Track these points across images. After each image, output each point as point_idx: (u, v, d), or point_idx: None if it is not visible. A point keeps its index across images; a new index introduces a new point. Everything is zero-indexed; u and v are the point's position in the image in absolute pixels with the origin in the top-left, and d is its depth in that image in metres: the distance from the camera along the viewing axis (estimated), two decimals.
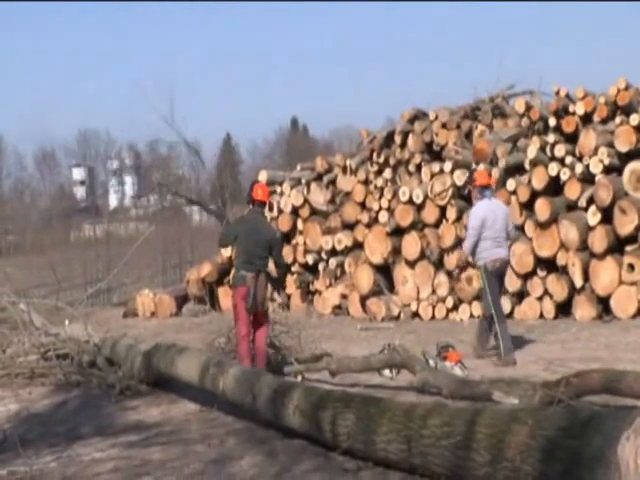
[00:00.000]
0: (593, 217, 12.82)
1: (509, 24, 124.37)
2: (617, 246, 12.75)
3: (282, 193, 17.59)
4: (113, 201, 78.33)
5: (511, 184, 13.70)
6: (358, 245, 16.13)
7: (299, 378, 8.79)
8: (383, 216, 15.60)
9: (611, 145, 13.16)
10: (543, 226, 13.24)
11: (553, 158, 13.50)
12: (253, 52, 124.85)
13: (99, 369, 10.09)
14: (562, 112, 14.17)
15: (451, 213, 14.46)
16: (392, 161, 16.19)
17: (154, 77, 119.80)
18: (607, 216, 12.74)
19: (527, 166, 13.77)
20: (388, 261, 15.38)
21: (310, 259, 16.97)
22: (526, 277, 13.48)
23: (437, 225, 14.81)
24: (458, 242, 13.84)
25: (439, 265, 14.62)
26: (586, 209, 12.98)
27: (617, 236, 12.70)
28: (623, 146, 13.06)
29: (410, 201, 14.96)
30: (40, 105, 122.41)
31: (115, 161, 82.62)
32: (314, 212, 17.23)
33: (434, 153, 15.83)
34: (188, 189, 37.71)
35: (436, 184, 14.77)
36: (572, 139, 13.78)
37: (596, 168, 13.06)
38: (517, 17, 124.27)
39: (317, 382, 8.41)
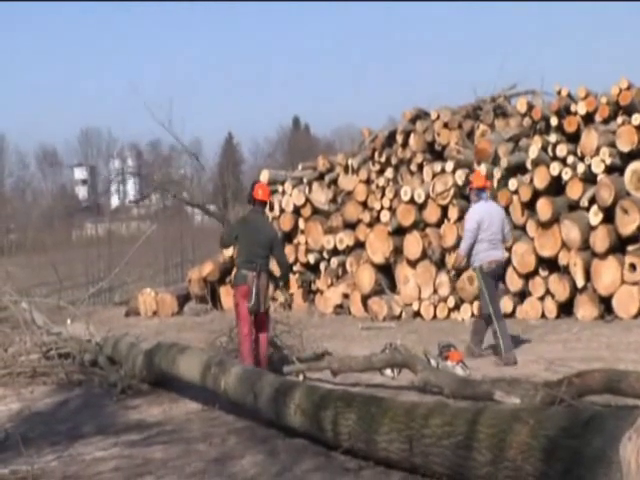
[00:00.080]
0: (595, 217, 12.81)
1: (510, 24, 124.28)
2: (619, 246, 12.74)
3: (284, 192, 17.59)
4: (115, 200, 78.33)
5: (513, 184, 13.70)
6: (360, 244, 16.13)
7: (300, 377, 8.79)
8: (385, 215, 15.60)
9: (613, 145, 13.15)
10: (545, 226, 13.24)
11: (555, 158, 13.49)
12: (253, 52, 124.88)
13: (101, 368, 10.11)
14: (564, 112, 14.16)
15: (453, 213, 14.45)
16: (394, 160, 16.19)
17: (154, 77, 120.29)
18: (609, 216, 12.73)
19: (529, 166, 13.76)
20: (390, 261, 15.38)
21: (312, 258, 16.97)
22: (528, 277, 13.47)
23: (439, 225, 14.81)
24: (459, 242, 13.81)
25: (441, 265, 14.61)
26: (588, 209, 12.97)
27: (619, 236, 12.69)
28: (625, 146, 13.05)
29: (412, 201, 14.96)
30: (41, 105, 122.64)
31: (117, 160, 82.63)
32: (316, 211, 17.24)
33: (436, 153, 15.83)
34: (189, 189, 37.71)
35: (438, 184, 14.77)
36: (574, 139, 13.77)
37: (598, 168, 13.06)
38: (517, 17, 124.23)
39: (318, 381, 8.42)
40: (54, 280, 17.18)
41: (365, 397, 6.18)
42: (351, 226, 16.46)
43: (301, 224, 17.25)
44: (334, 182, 17.41)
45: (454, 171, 14.61)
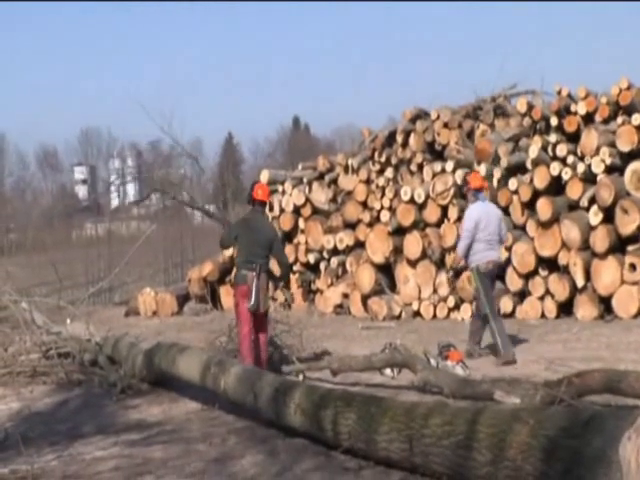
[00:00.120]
0: (595, 217, 12.82)
1: (510, 24, 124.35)
2: (619, 246, 12.74)
3: (284, 192, 17.60)
4: (115, 200, 78.33)
5: (513, 184, 13.70)
6: (360, 244, 16.13)
7: (300, 377, 8.79)
8: (385, 215, 15.61)
9: (613, 145, 13.15)
10: (545, 226, 13.24)
11: (555, 158, 13.50)
12: (253, 52, 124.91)
13: (100, 368, 10.11)
14: (564, 112, 14.16)
15: (453, 213, 14.45)
16: (394, 160, 16.19)
17: (154, 77, 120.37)
18: (609, 216, 12.73)
19: (529, 166, 13.76)
20: (389, 260, 15.38)
21: (312, 258, 16.97)
22: (528, 277, 13.47)
23: (439, 225, 14.81)
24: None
25: (440, 265, 14.61)
26: (588, 209, 12.97)
27: (619, 236, 12.69)
28: (625, 146, 13.05)
29: (412, 200, 14.96)
30: (41, 105, 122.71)
31: (117, 160, 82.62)
32: (316, 211, 17.24)
33: (436, 152, 15.83)
34: (189, 189, 37.71)
35: (438, 184, 14.77)
36: (574, 139, 13.77)
37: (598, 168, 13.06)
38: (517, 17, 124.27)
39: (318, 381, 8.42)
40: (54, 280, 17.18)
41: (365, 397, 6.18)
42: (351, 226, 16.46)
43: (301, 224, 17.26)
44: (334, 182, 17.42)
45: (454, 171, 14.61)
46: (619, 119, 13.41)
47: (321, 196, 17.34)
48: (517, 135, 14.69)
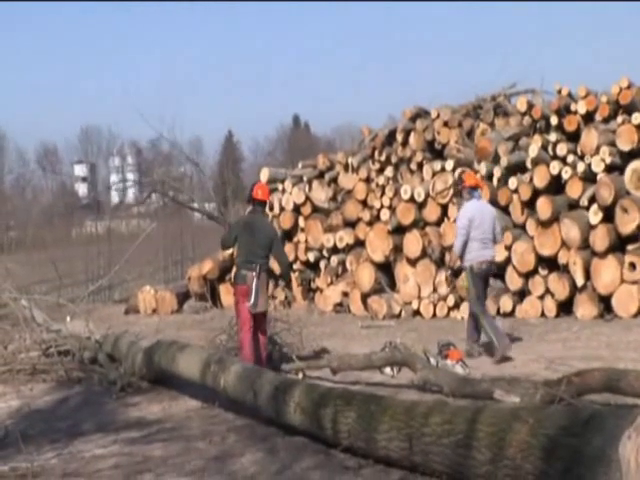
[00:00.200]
0: (595, 216, 12.82)
1: (510, 24, 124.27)
2: (618, 245, 12.74)
3: (284, 191, 17.60)
4: (115, 197, 78.31)
5: (513, 183, 13.70)
6: (359, 243, 16.14)
7: (300, 375, 8.80)
8: (384, 214, 15.61)
9: (613, 144, 13.15)
10: (544, 225, 13.24)
11: (555, 157, 13.50)
12: (253, 52, 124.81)
13: (100, 366, 10.11)
14: (564, 111, 14.16)
15: (452, 211, 14.44)
16: (394, 159, 16.20)
17: (154, 77, 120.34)
18: (609, 215, 12.73)
19: (529, 165, 13.77)
20: (389, 259, 15.39)
21: (311, 257, 16.97)
22: (527, 276, 13.47)
23: (438, 223, 14.82)
24: None
25: (440, 263, 14.61)
26: (588, 208, 12.97)
27: (619, 235, 12.69)
28: (625, 145, 13.06)
29: (412, 199, 14.97)
30: (41, 104, 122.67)
31: (117, 158, 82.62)
32: (316, 210, 17.24)
33: (436, 151, 15.84)
34: (189, 188, 37.71)
35: (438, 182, 14.77)
36: (574, 138, 13.78)
37: (598, 167, 13.06)
38: (517, 17, 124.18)
39: (318, 380, 8.42)
40: (54, 277, 17.20)
41: (365, 395, 6.19)
42: (351, 224, 16.46)
43: (301, 222, 17.25)
44: (334, 180, 17.42)
45: (454, 170, 14.61)
46: (619, 118, 13.41)
47: (321, 195, 17.34)
48: (517, 134, 14.70)
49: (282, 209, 17.44)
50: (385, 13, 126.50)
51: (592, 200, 12.92)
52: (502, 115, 15.79)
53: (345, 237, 16.31)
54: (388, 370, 8.70)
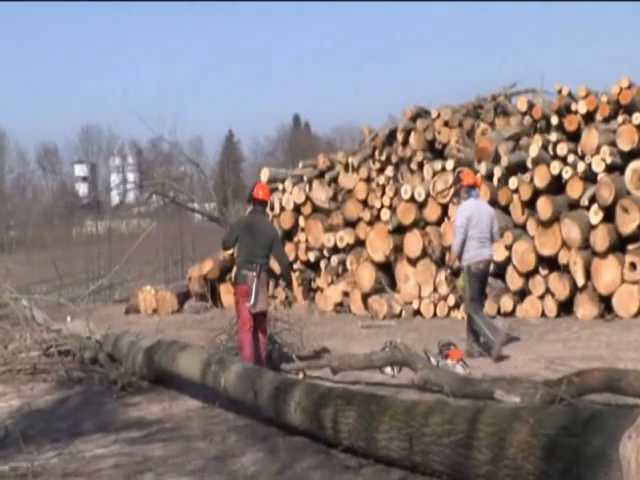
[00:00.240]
0: (595, 216, 12.82)
1: (510, 24, 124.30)
2: (619, 245, 12.74)
3: (284, 190, 17.59)
4: (115, 197, 78.33)
5: (513, 182, 13.70)
6: (360, 243, 16.13)
7: (300, 375, 8.80)
8: (385, 214, 15.61)
9: (613, 144, 13.15)
10: (545, 224, 13.23)
11: (555, 157, 13.50)
12: (253, 52, 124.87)
13: (101, 365, 10.11)
14: (564, 111, 14.16)
15: (453, 211, 14.43)
16: (394, 159, 16.19)
17: (154, 77, 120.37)
18: (609, 215, 12.73)
19: (529, 164, 13.76)
20: (390, 259, 15.38)
21: (312, 256, 16.97)
22: (528, 276, 13.47)
23: (439, 223, 14.82)
24: None
25: (441, 263, 14.61)
26: (588, 208, 12.97)
27: (619, 235, 12.69)
28: (625, 145, 13.05)
29: (412, 199, 14.96)
30: (41, 104, 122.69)
31: (117, 157, 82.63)
32: (316, 209, 17.23)
33: (436, 151, 15.83)
34: (190, 187, 37.73)
35: (438, 182, 14.77)
36: (574, 138, 13.77)
37: (598, 167, 13.06)
38: (517, 17, 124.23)
39: (318, 379, 8.43)
40: (54, 277, 17.19)
41: (365, 395, 6.19)
42: (351, 224, 16.46)
43: (301, 222, 17.25)
44: (334, 180, 17.42)
45: (454, 169, 14.59)
46: (620, 118, 13.41)
47: (321, 194, 17.34)
48: (517, 134, 14.69)
49: (282, 209, 17.43)
50: (385, 13, 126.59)
51: (592, 200, 12.91)
52: (502, 115, 15.78)
53: (345, 237, 16.31)
54: (388, 370, 8.70)
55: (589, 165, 13.13)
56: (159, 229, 26.68)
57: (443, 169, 14.87)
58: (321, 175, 17.60)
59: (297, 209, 17.27)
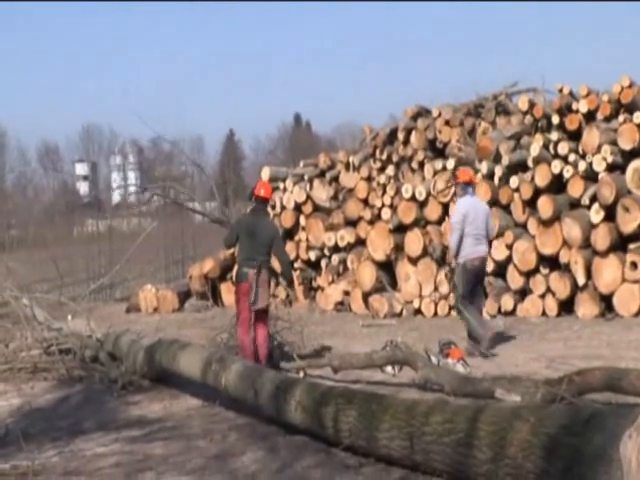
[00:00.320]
0: (596, 215, 12.81)
1: (510, 24, 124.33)
2: (620, 244, 12.74)
3: (285, 189, 17.58)
4: (116, 196, 78.36)
5: (514, 181, 13.70)
6: (361, 242, 16.13)
7: (301, 374, 8.80)
8: (386, 213, 15.60)
9: (614, 143, 13.15)
10: (546, 224, 13.23)
11: (556, 156, 13.49)
12: (253, 52, 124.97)
13: (101, 364, 10.11)
14: (565, 110, 14.16)
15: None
16: (395, 158, 16.19)
17: (154, 77, 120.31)
18: (610, 214, 12.72)
19: (530, 164, 13.76)
20: (391, 258, 15.38)
21: (312, 255, 16.96)
22: (529, 275, 13.47)
23: (440, 222, 14.81)
24: None
25: (441, 262, 14.60)
26: (589, 207, 12.97)
27: (620, 234, 12.68)
28: (626, 144, 13.05)
29: (413, 198, 14.96)
30: (42, 104, 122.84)
31: (118, 156, 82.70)
32: (317, 208, 17.23)
33: (437, 150, 15.83)
34: (191, 187, 37.73)
35: (439, 181, 14.77)
36: (575, 137, 13.77)
37: (599, 166, 13.05)
38: (517, 17, 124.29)
39: (319, 378, 8.42)
40: (55, 276, 17.17)
41: (366, 394, 6.19)
42: (352, 223, 16.45)
43: (302, 221, 17.24)
44: (335, 179, 17.42)
45: (455, 169, 14.59)
46: (621, 117, 13.41)
47: (322, 193, 17.34)
48: (518, 133, 14.69)
49: (283, 208, 17.43)
50: (385, 13, 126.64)
51: (593, 199, 12.91)
52: (503, 114, 15.78)
53: (346, 236, 16.30)
54: (389, 369, 8.70)
55: (590, 164, 13.12)
56: (160, 228, 26.67)
57: (444, 168, 14.87)
58: (322, 174, 17.60)
59: (298, 208, 17.27)
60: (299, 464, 5.78)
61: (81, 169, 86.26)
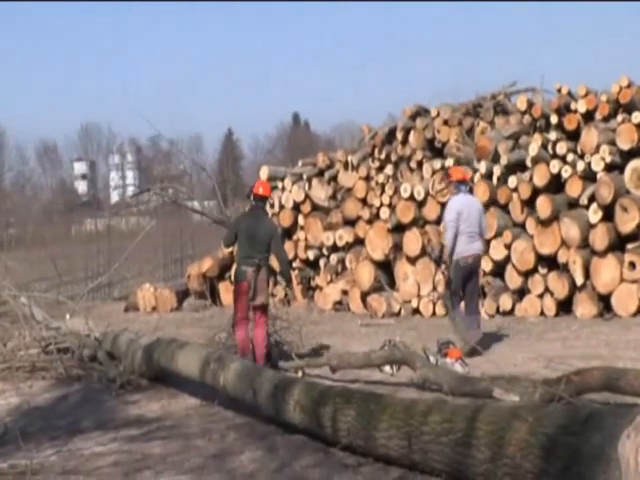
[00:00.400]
0: (594, 215, 12.82)
1: (510, 24, 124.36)
2: (618, 244, 12.75)
3: (283, 189, 17.59)
4: (115, 195, 78.33)
5: (512, 181, 13.70)
6: (359, 241, 16.13)
7: (299, 374, 8.80)
8: (384, 212, 15.61)
9: (613, 143, 13.15)
10: (544, 223, 13.24)
11: (555, 156, 13.50)
12: (253, 52, 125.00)
13: (100, 363, 10.11)
14: (564, 110, 14.16)
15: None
16: (393, 157, 16.19)
17: (154, 77, 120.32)
18: (608, 214, 12.73)
19: (529, 163, 13.77)
20: (389, 257, 15.38)
21: (311, 255, 16.97)
22: (527, 274, 13.48)
23: (438, 222, 14.78)
24: None
25: (440, 262, 14.57)
26: (587, 207, 12.97)
27: (618, 234, 12.69)
28: (625, 144, 13.05)
29: (411, 197, 14.96)
30: (41, 104, 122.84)
31: (117, 155, 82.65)
32: (315, 208, 17.23)
33: (435, 150, 15.83)
34: (189, 186, 37.72)
35: (437, 181, 14.76)
36: (574, 137, 13.78)
37: (598, 166, 13.06)
38: (517, 17, 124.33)
39: (318, 378, 8.42)
40: (53, 275, 17.20)
41: (364, 394, 6.19)
42: (351, 223, 16.46)
43: (300, 220, 17.25)
44: (334, 179, 17.42)
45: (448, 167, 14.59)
46: (619, 117, 13.41)
47: (321, 193, 17.34)
48: (517, 133, 14.69)
49: (282, 207, 17.43)
50: (385, 13, 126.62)
51: (592, 199, 12.92)
52: (502, 114, 15.79)
53: (345, 235, 16.31)
54: (387, 368, 8.70)
55: (588, 164, 13.13)
56: (158, 227, 26.69)
57: (442, 168, 14.87)
58: (320, 173, 17.60)
59: (296, 207, 17.27)
60: (297, 463, 5.78)
61: (79, 168, 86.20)
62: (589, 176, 13.12)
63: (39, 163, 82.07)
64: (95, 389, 9.36)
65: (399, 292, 15.15)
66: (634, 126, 13.00)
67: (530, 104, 14.99)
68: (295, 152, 50.95)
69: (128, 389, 9.02)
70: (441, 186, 14.59)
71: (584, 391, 6.41)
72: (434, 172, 15.02)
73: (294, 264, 16.86)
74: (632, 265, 12.38)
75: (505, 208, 13.88)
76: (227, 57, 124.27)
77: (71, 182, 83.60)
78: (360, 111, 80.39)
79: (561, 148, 13.47)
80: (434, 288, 14.64)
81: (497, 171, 14.00)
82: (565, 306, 13.13)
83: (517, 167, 13.93)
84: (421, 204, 14.95)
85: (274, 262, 9.64)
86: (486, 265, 13.65)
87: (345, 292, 16.10)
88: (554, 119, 14.15)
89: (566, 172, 13.23)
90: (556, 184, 13.38)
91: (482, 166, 14.16)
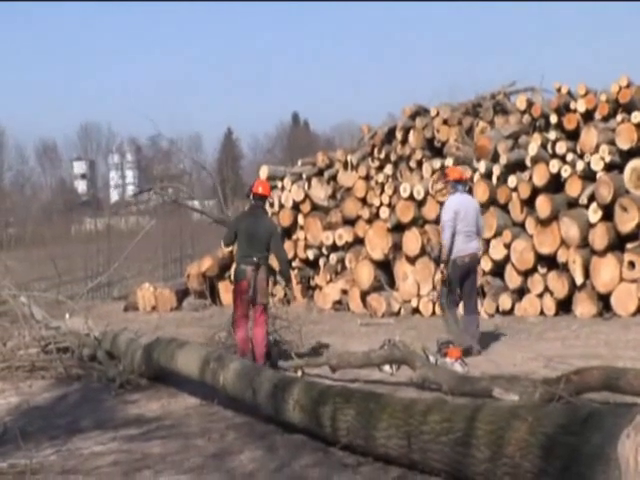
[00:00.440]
0: (594, 214, 12.82)
1: (510, 24, 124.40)
2: (618, 243, 12.75)
3: (283, 188, 17.58)
4: (114, 195, 78.31)
5: (512, 181, 13.70)
6: (359, 241, 16.13)
7: (299, 373, 8.80)
8: (384, 212, 15.61)
9: (612, 143, 13.15)
10: (544, 223, 13.24)
11: (554, 155, 13.50)
12: (253, 52, 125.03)
13: (99, 363, 10.11)
14: (563, 109, 14.16)
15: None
16: (393, 157, 16.19)
17: (154, 77, 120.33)
18: (608, 213, 12.73)
19: (528, 163, 13.77)
20: (389, 257, 15.38)
21: (311, 254, 16.97)
22: (527, 274, 13.48)
23: (438, 221, 14.76)
24: None
25: (439, 261, 14.57)
26: (587, 206, 12.97)
27: (618, 233, 12.70)
28: (624, 144, 13.05)
29: (411, 197, 14.96)
30: (41, 104, 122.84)
31: (116, 155, 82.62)
32: (315, 207, 17.23)
33: (435, 149, 15.83)
34: (189, 185, 37.72)
35: (434, 180, 14.76)
36: (573, 136, 13.78)
37: (597, 165, 13.06)
38: (517, 17, 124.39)
39: (317, 377, 8.42)
40: (53, 274, 17.20)
41: (364, 393, 6.19)
42: (350, 222, 16.45)
43: (300, 220, 17.24)
44: (333, 178, 17.42)
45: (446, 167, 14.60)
46: (619, 117, 13.41)
47: (320, 192, 17.34)
48: (516, 132, 14.69)
49: (281, 206, 17.42)
50: (385, 13, 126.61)
51: (591, 198, 12.92)
52: (502, 113, 15.79)
53: (344, 235, 16.31)
54: (387, 368, 8.69)
55: (588, 164, 13.13)
56: (158, 226, 26.71)
57: (442, 167, 14.86)
58: (320, 173, 17.60)
59: (296, 207, 17.27)
60: (297, 463, 5.78)
61: (79, 168, 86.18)
62: (589, 176, 13.12)
63: (39, 162, 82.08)
64: (95, 388, 9.36)
65: (399, 292, 15.15)
66: (633, 126, 13.00)
67: (530, 104, 14.99)
68: (295, 151, 50.94)
69: (128, 388, 9.02)
70: (440, 186, 14.59)
71: (584, 391, 6.41)
72: (434, 172, 15.02)
73: (294, 263, 16.86)
74: (631, 265, 12.38)
75: (505, 208, 13.88)
76: (227, 57, 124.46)
77: (71, 182, 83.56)
78: (360, 111, 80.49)
79: (561, 148, 13.47)
80: (434, 287, 14.59)
81: (497, 171, 14.00)
82: (565, 306, 13.13)
83: (517, 167, 13.93)
84: (421, 204, 14.95)
85: (274, 261, 9.63)
86: (486, 265, 13.66)
87: (345, 292, 16.10)
88: (554, 119, 14.15)
89: (566, 172, 13.23)
90: (556, 184, 13.38)
91: (482, 166, 14.16)
